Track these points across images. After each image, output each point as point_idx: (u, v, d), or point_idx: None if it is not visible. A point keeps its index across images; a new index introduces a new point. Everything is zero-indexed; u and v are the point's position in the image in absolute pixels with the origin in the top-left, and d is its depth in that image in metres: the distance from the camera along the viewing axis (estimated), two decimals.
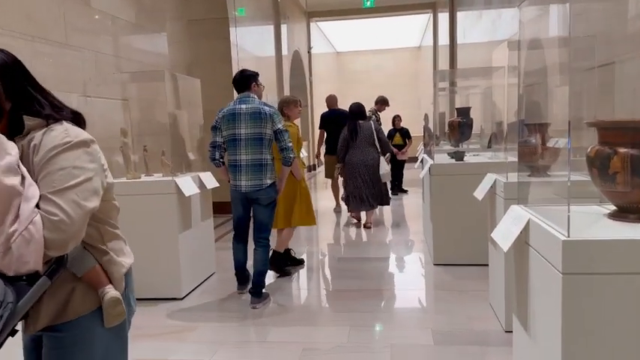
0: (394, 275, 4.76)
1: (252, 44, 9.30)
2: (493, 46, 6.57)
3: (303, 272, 4.88)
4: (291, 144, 3.84)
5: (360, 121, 6.55)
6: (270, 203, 3.91)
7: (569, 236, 1.62)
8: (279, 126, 3.80)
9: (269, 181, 3.83)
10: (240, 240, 4.10)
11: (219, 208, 7.77)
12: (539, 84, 3.90)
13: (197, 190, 4.26)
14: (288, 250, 4.85)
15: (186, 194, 4.05)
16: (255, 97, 3.90)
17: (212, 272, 4.78)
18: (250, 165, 3.78)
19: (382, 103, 8.93)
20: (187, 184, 4.13)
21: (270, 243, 4.07)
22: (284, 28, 11.29)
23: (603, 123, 1.84)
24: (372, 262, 5.19)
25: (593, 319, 1.61)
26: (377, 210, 8.19)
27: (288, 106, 4.65)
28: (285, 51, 11.38)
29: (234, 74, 7.84)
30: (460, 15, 10.28)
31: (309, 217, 4.71)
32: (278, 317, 3.74)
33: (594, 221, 1.90)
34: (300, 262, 4.99)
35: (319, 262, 5.24)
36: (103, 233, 1.50)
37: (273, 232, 4.21)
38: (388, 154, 6.70)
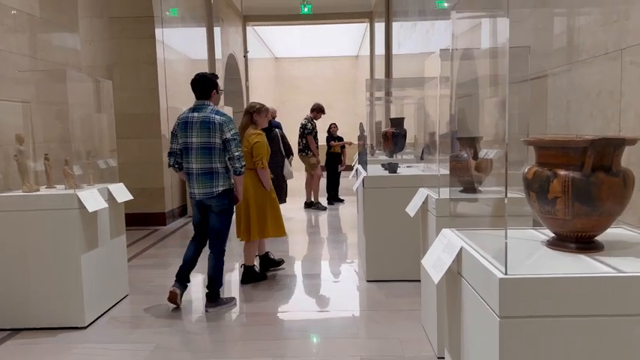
0: (325, 295, 4.49)
1: (182, 46, 8.82)
2: (426, 57, 6.51)
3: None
4: (238, 153, 3.82)
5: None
6: (222, 210, 3.94)
7: (506, 273, 1.40)
8: (228, 135, 3.79)
9: (221, 189, 3.86)
10: (194, 240, 4.14)
11: (140, 220, 7.27)
12: (471, 95, 3.78)
13: (104, 205, 3.79)
14: (266, 254, 4.94)
15: (90, 210, 3.58)
16: (211, 104, 3.91)
17: (125, 295, 4.31)
18: (201, 173, 3.83)
19: (318, 110, 8.75)
20: (92, 198, 3.66)
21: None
22: (217, 30, 10.84)
23: (542, 142, 1.65)
24: (304, 279, 4.90)
25: None
26: (312, 219, 7.98)
27: (258, 113, 4.57)
28: (218, 54, 10.94)
29: (159, 76, 7.57)
30: (395, 25, 10.30)
31: (280, 228, 4.68)
32: (192, 349, 3.37)
33: (532, 251, 1.70)
34: (280, 262, 5.07)
35: (239, 280, 4.87)
36: None
37: (241, 244, 4.43)
38: (291, 156, 7.60)
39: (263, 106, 4.64)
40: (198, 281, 4.71)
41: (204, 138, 3.79)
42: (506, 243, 1.42)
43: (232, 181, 3.97)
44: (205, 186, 3.84)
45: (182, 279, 4.06)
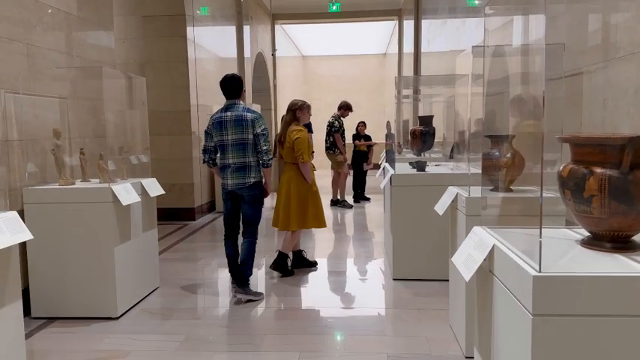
0: (351, 292, 4.50)
1: (212, 44, 8.94)
2: (456, 55, 6.44)
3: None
4: (266, 147, 4.10)
5: None
6: (254, 200, 4.18)
7: (540, 271, 1.39)
8: (258, 130, 4.06)
9: (252, 180, 4.11)
10: (228, 236, 4.34)
11: (170, 215, 7.41)
12: (503, 93, 3.73)
13: (137, 199, 3.88)
14: (300, 252, 5.01)
15: (124, 203, 3.67)
16: (241, 102, 4.17)
17: (155, 287, 4.40)
18: (236, 167, 4.10)
19: (345, 108, 8.74)
20: (126, 192, 3.75)
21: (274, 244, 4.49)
22: (247, 29, 10.95)
23: (578, 139, 1.63)
24: (330, 276, 4.91)
25: None
26: (339, 217, 7.99)
27: (301, 110, 4.73)
28: (247, 53, 11.04)
29: (190, 74, 7.69)
30: (425, 23, 10.20)
31: (320, 220, 4.83)
32: (221, 341, 3.42)
33: (566, 250, 1.67)
34: (313, 264, 5.06)
35: (269, 276, 4.92)
36: None
37: (279, 233, 4.59)
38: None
39: (305, 103, 4.80)
40: (225, 276, 4.78)
41: (239, 134, 4.04)
42: (540, 240, 1.40)
43: (262, 173, 4.21)
44: (239, 177, 4.10)
45: (236, 274, 4.28)
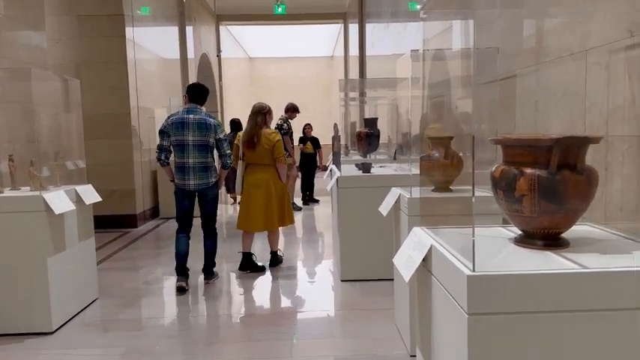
0: (300, 295, 4.47)
1: (153, 45, 8.69)
2: (399, 58, 6.57)
3: (192, 293, 4.45)
4: (229, 151, 4.51)
5: None
6: (214, 198, 4.54)
7: (474, 270, 1.41)
8: (221, 136, 4.42)
9: (213, 180, 4.47)
10: (183, 231, 4.50)
11: (111, 223, 7.12)
12: (443, 96, 3.82)
13: (72, 207, 3.69)
14: (250, 255, 5.07)
15: (57, 212, 3.49)
16: (203, 108, 4.49)
17: (94, 298, 4.21)
18: (198, 167, 4.34)
19: (292, 110, 8.70)
20: (59, 200, 3.56)
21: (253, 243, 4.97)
22: (190, 30, 10.72)
23: (508, 140, 1.68)
24: (279, 279, 4.87)
25: None
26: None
27: (270, 114, 4.91)
28: (191, 54, 10.81)
29: (129, 75, 7.43)
30: (369, 26, 10.35)
31: (292, 218, 5.12)
32: (163, 352, 3.30)
33: (500, 248, 1.72)
34: (262, 269, 5.08)
35: (213, 282, 4.82)
36: None
37: (264, 234, 5.05)
38: None
39: (270, 107, 4.96)
40: (169, 284, 4.64)
41: (201, 137, 4.32)
42: (473, 240, 1.43)
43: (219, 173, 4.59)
44: (202, 177, 4.38)
45: (184, 272, 4.48)
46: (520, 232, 1.78)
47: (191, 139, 4.29)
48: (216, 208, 4.62)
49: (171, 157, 4.43)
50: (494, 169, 1.71)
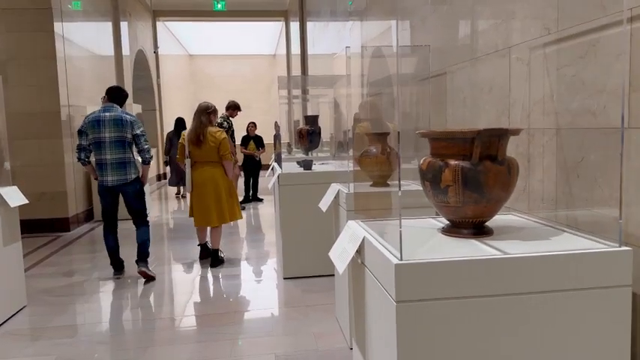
0: (242, 294, 4.42)
1: (85, 41, 8.32)
2: (337, 56, 6.64)
3: (129, 299, 4.31)
4: (147, 146, 4.56)
5: None
6: (138, 194, 4.62)
7: (402, 259, 1.45)
8: (138, 132, 4.51)
9: (133, 176, 4.54)
10: (109, 228, 4.67)
11: (41, 227, 6.76)
12: (380, 94, 3.90)
13: None
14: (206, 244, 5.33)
15: None
16: (118, 106, 4.54)
17: (22, 306, 3.98)
18: (115, 163, 4.44)
19: (234, 108, 8.56)
20: None
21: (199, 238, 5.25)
22: (124, 25, 10.35)
23: (434, 133, 1.73)
24: (219, 280, 4.79)
25: (432, 351, 1.46)
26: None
27: (214, 114, 5.03)
28: (126, 50, 10.44)
29: (59, 72, 7.08)
30: (309, 25, 10.39)
31: (240, 212, 5.24)
32: (97, 359, 3.17)
33: (428, 238, 1.77)
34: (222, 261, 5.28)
35: (153, 284, 4.69)
36: None
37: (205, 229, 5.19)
38: None
39: (215, 107, 5.08)
40: (105, 289, 4.47)
41: (117, 133, 4.41)
42: (400, 230, 1.46)
43: (141, 169, 4.67)
44: (120, 174, 4.47)
45: (118, 265, 4.80)
46: (447, 222, 1.84)
47: (107, 135, 4.40)
48: (143, 203, 4.70)
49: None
50: (422, 161, 1.76)
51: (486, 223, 1.80)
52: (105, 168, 4.44)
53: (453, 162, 1.63)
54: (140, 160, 4.58)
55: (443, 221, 1.93)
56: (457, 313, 1.46)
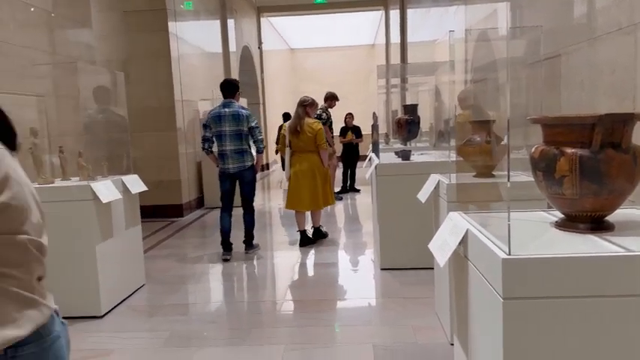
0: (339, 283, 4.48)
1: (195, 39, 8.85)
2: (439, 42, 6.41)
3: (234, 282, 4.54)
4: (261, 137, 5.09)
5: None
6: (251, 181, 5.12)
7: (510, 253, 1.37)
8: (253, 124, 5.03)
9: (249, 164, 5.07)
10: (225, 210, 5.13)
11: (158, 212, 7.35)
12: (486, 80, 3.70)
13: (118, 196, 3.83)
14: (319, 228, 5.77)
15: (104, 200, 3.62)
16: (235, 102, 5.06)
17: (141, 284, 4.36)
18: (234, 153, 4.99)
19: (332, 98, 8.62)
20: (106, 190, 3.70)
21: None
22: (231, 22, 10.84)
23: (547, 119, 1.60)
24: (318, 268, 4.90)
25: (540, 351, 1.36)
26: (329, 209, 7.96)
27: (311, 107, 5.38)
28: (233, 47, 10.95)
29: (173, 69, 7.60)
30: (410, 12, 10.16)
31: (332, 198, 5.73)
32: (205, 337, 3.38)
33: (540, 232, 1.65)
34: (326, 235, 5.83)
35: (257, 268, 4.90)
36: None
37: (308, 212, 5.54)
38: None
39: (314, 100, 5.47)
40: (214, 271, 4.76)
41: (235, 126, 4.95)
42: (509, 223, 1.38)
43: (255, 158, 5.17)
44: (238, 161, 5.01)
45: (228, 246, 5.14)
46: (562, 216, 1.70)
47: (227, 129, 4.94)
48: (254, 190, 5.19)
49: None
50: (533, 149, 1.64)
51: (606, 218, 1.64)
52: (226, 157, 4.98)
53: (569, 150, 1.50)
54: (255, 149, 5.10)
55: (556, 214, 1.79)
56: (571, 313, 1.35)
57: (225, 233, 5.12)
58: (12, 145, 1.12)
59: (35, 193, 1.12)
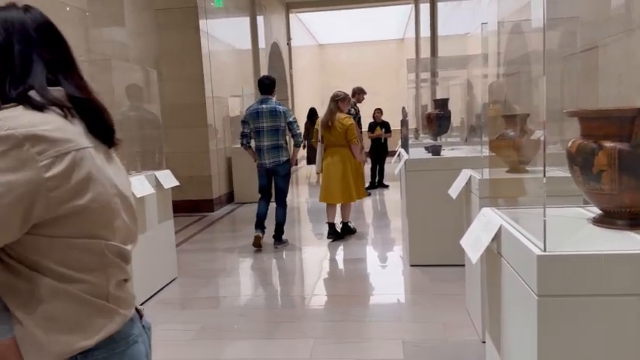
0: (368, 278, 4.47)
1: (225, 36, 8.93)
2: (471, 36, 6.30)
3: (264, 276, 4.59)
4: (299, 131, 5.28)
5: None
6: (286, 175, 5.27)
7: (545, 250, 1.34)
8: (291, 119, 5.20)
9: (284, 159, 5.22)
10: (263, 198, 5.36)
11: (189, 207, 7.48)
12: (518, 73, 3.63)
13: (151, 191, 3.91)
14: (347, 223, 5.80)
15: (137, 195, 3.70)
16: (273, 98, 5.22)
17: (173, 277, 4.45)
18: (270, 148, 5.15)
19: (359, 92, 8.54)
20: (139, 184, 3.78)
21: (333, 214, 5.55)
22: (260, 19, 10.90)
23: (585, 112, 1.56)
24: (347, 263, 4.90)
25: (575, 350, 1.33)
26: (357, 204, 7.94)
27: (342, 101, 5.42)
28: (262, 43, 11.01)
29: (204, 66, 7.70)
30: (440, 5, 10.01)
31: (364, 191, 5.82)
32: (236, 330, 3.43)
33: (576, 229, 1.61)
34: (354, 231, 5.84)
35: (286, 263, 4.94)
36: (30, 288, 0.93)
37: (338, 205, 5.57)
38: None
39: (347, 95, 5.53)
40: (244, 265, 4.81)
41: (273, 122, 5.11)
42: (544, 219, 1.35)
43: (292, 151, 5.36)
44: (274, 156, 5.16)
45: (261, 226, 5.28)
46: (599, 212, 1.66)
47: (265, 125, 5.10)
48: (288, 184, 5.33)
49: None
50: (570, 144, 1.60)
51: None
52: (262, 152, 5.16)
53: (608, 144, 1.46)
54: (293, 143, 5.33)
55: (593, 210, 1.74)
56: (607, 311, 1.31)
57: (260, 216, 5.29)
58: (109, 141, 1.06)
59: (128, 196, 1.06)
